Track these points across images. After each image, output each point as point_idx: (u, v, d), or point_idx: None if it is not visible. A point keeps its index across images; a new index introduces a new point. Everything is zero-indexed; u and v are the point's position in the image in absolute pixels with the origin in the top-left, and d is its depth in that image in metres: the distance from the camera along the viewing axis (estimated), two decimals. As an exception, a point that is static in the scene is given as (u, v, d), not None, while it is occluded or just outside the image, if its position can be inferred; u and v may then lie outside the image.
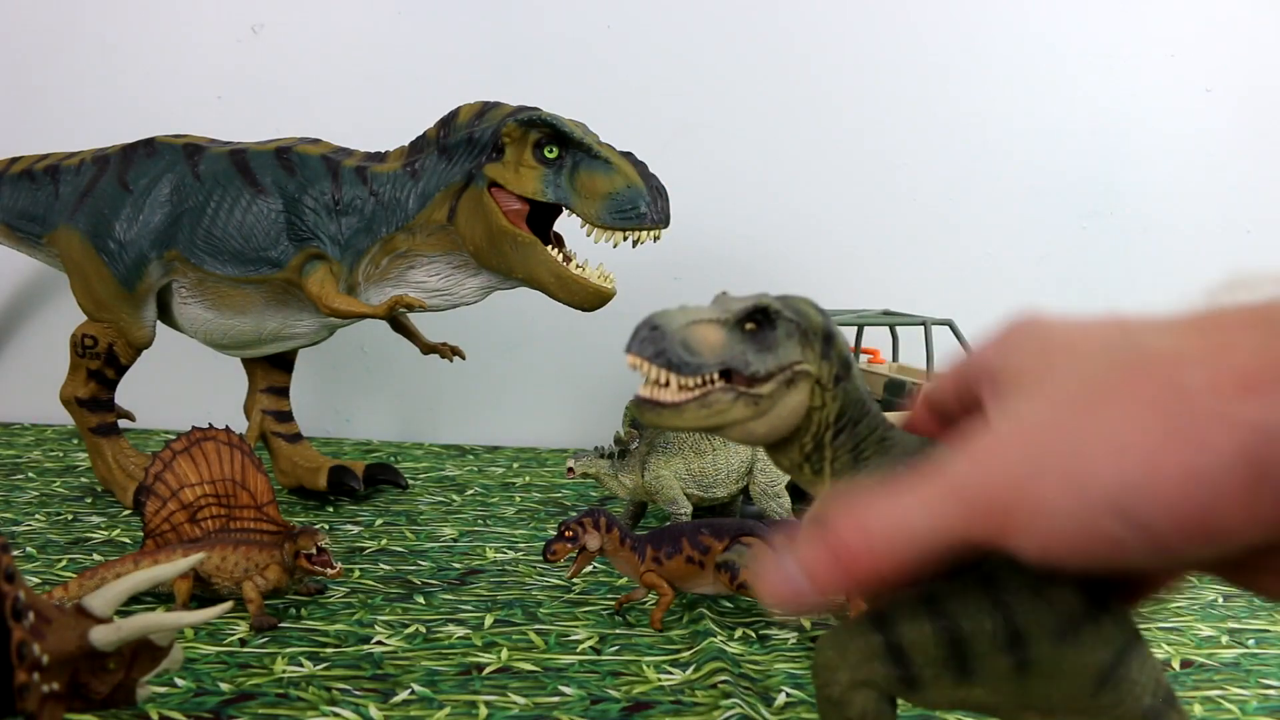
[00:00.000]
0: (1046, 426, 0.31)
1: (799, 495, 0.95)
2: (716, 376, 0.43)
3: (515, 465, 1.23)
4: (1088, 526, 0.30)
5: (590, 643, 0.71)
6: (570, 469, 0.92)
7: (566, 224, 0.90)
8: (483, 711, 0.60)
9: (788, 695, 0.63)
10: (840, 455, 0.44)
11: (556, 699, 0.62)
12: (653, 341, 0.41)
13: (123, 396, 1.05)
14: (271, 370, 1.07)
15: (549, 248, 0.88)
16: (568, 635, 0.72)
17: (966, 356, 0.39)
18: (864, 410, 0.45)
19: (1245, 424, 0.27)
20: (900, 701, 0.39)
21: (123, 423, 1.07)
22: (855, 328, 1.18)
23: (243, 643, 0.69)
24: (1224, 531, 0.28)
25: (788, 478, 0.92)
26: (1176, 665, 0.70)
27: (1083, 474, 0.30)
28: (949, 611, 0.38)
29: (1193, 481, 0.28)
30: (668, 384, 0.43)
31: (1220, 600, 0.84)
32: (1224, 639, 0.76)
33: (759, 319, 0.43)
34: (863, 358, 1.19)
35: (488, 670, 0.66)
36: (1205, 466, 0.28)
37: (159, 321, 1.01)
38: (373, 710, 0.60)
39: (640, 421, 0.45)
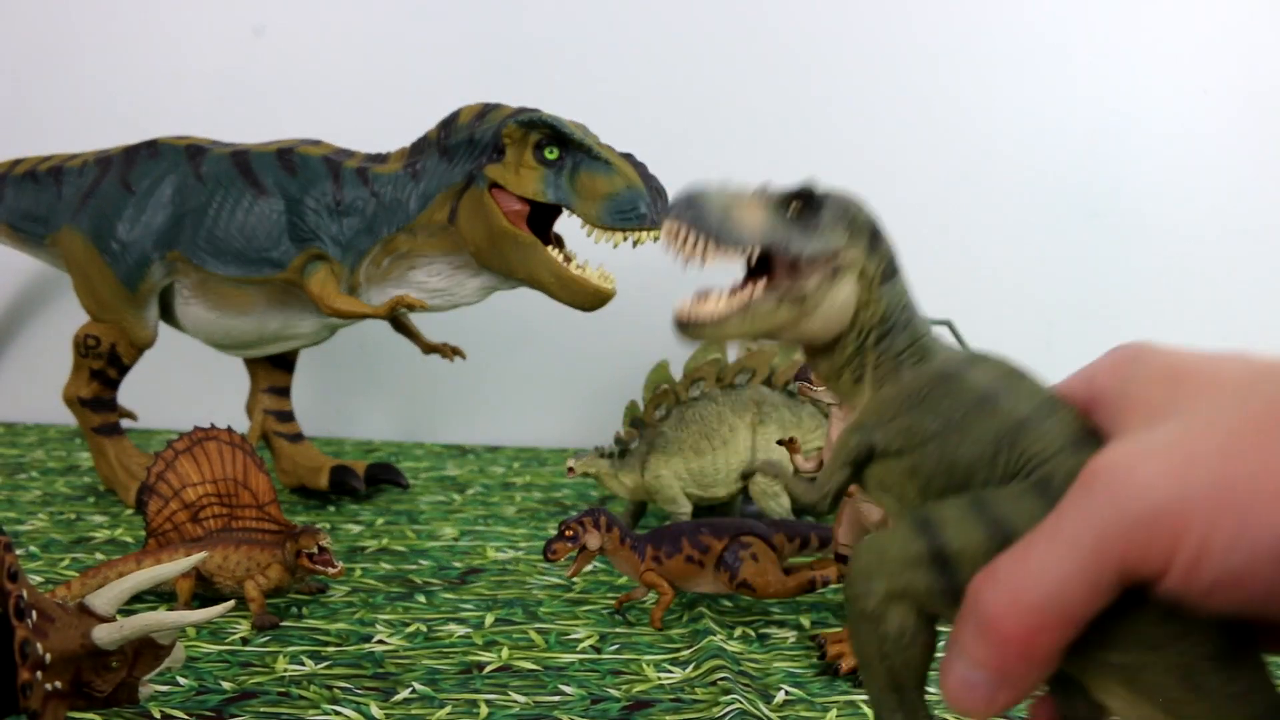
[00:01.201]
0: (1202, 458, 0.28)
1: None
2: (760, 285, 0.39)
3: (515, 465, 1.23)
4: (1253, 571, 0.26)
5: (590, 641, 0.71)
6: (570, 468, 0.93)
7: (567, 224, 0.91)
8: (483, 710, 0.60)
9: (787, 693, 0.63)
10: (884, 362, 0.41)
11: (557, 698, 0.62)
12: (691, 209, 0.38)
13: (125, 396, 1.05)
14: (273, 370, 1.07)
15: (549, 248, 0.89)
16: (568, 634, 0.72)
17: (1069, 383, 0.36)
18: (909, 316, 0.42)
19: None
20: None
21: (125, 422, 1.07)
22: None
23: (244, 641, 0.69)
24: None
25: (787, 477, 0.92)
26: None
27: (1252, 514, 0.26)
28: (1002, 515, 0.34)
29: None
30: (705, 297, 0.39)
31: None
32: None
33: (805, 201, 0.39)
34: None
35: (488, 669, 0.66)
36: None
37: (161, 321, 1.02)
38: (374, 709, 0.60)
39: (682, 336, 0.40)
